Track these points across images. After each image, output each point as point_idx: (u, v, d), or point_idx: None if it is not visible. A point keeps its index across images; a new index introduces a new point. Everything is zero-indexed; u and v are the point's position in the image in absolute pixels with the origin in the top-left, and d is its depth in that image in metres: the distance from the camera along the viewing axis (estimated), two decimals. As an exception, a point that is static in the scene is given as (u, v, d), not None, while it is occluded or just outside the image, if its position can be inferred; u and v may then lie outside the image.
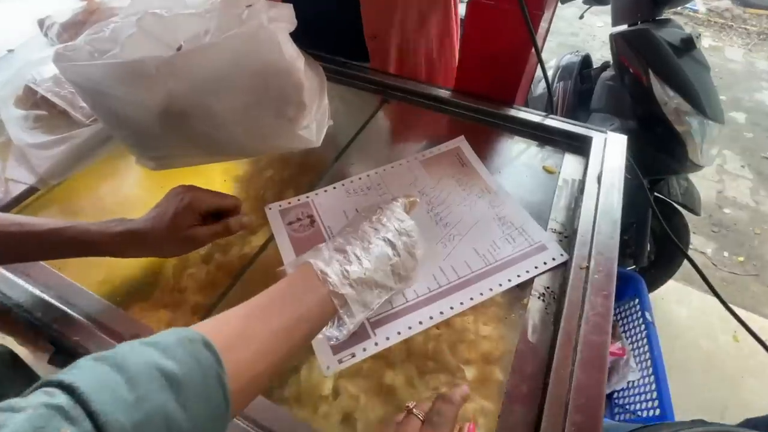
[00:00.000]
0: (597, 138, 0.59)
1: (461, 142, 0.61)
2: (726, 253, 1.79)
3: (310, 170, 0.62)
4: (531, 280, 0.46)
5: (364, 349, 0.40)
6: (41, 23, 0.77)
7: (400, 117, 0.71)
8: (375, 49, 0.73)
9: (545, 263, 0.46)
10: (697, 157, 1.13)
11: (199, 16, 0.46)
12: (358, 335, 0.41)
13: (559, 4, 0.85)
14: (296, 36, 0.48)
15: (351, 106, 0.73)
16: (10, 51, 0.79)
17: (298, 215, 0.52)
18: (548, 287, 0.45)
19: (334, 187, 0.55)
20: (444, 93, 0.68)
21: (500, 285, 0.45)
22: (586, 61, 1.42)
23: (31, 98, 0.59)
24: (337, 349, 0.40)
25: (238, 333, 0.27)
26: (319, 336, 0.41)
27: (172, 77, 0.44)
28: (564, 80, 1.41)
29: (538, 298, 0.44)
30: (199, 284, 0.52)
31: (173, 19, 0.46)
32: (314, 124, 0.54)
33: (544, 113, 0.64)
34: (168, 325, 0.47)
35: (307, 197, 0.54)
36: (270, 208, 0.53)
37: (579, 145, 0.61)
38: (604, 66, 1.32)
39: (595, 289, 0.42)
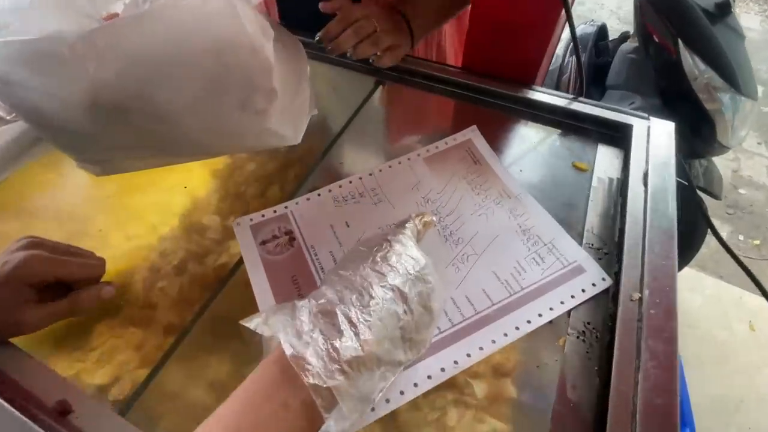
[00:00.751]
0: (638, 126, 0.48)
1: (473, 134, 0.50)
2: (741, 237, 1.70)
3: (297, 163, 0.52)
4: (567, 314, 0.36)
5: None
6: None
7: (398, 102, 0.60)
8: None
9: (584, 291, 0.37)
10: (727, 138, 1.02)
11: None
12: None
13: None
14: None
15: (340, 90, 0.62)
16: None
17: (274, 231, 0.42)
18: (589, 323, 0.36)
19: (319, 194, 0.45)
20: (451, 73, 0.57)
21: (528, 322, 0.35)
22: (602, 32, 1.29)
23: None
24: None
25: None
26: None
27: (96, 60, 0.33)
28: (572, 54, 1.28)
29: (578, 337, 0.35)
30: (171, 300, 0.44)
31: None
32: (291, 115, 0.43)
33: (571, 96, 0.53)
34: (138, 348, 0.40)
35: (285, 207, 0.44)
36: (238, 223, 0.43)
37: (615, 135, 0.50)
38: (623, 37, 1.19)
39: (654, 330, 0.33)
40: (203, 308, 0.42)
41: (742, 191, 1.87)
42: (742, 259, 1.74)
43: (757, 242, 1.68)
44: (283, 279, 0.38)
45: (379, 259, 0.27)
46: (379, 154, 0.52)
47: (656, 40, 0.98)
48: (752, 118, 1.04)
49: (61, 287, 0.36)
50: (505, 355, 0.35)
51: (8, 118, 0.47)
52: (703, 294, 1.52)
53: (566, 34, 1.39)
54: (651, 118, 0.49)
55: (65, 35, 0.31)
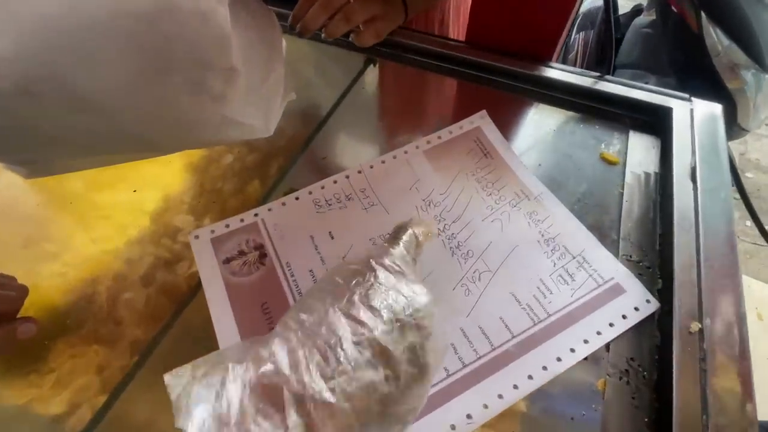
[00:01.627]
0: (679, 109, 0.40)
1: (482, 121, 0.42)
2: (748, 223, 1.64)
3: (279, 155, 0.44)
4: (606, 348, 0.29)
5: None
6: None
7: (392, 83, 0.51)
8: None
9: (625, 317, 0.30)
10: (747, 120, 0.95)
11: None
12: None
13: None
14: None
15: (324, 70, 0.53)
16: None
17: (241, 246, 0.34)
18: (633, 359, 0.29)
19: (297, 198, 0.37)
20: (453, 48, 0.48)
21: (559, 360, 0.28)
22: (613, 5, 1.19)
23: None
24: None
25: None
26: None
27: (17, 43, 0.25)
28: (585, 30, 1.18)
29: (620, 378, 0.28)
30: (137, 313, 0.38)
31: None
32: (260, 101, 0.35)
33: (597, 74, 0.45)
34: (100, 371, 0.35)
35: (256, 215, 0.36)
36: (197, 237, 0.35)
37: (650, 120, 0.42)
38: (637, 10, 1.10)
39: (723, 370, 0.26)
40: (170, 322, 0.36)
41: (749, 175, 1.81)
42: (749, 245, 1.67)
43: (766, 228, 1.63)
44: (251, 307, 0.31)
45: (356, 299, 0.19)
46: (370, 146, 0.43)
47: (675, 11, 0.89)
48: (775, 98, 0.97)
49: None
50: (530, 404, 0.28)
51: None
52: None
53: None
54: (694, 99, 0.41)
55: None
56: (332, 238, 0.34)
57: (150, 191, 0.47)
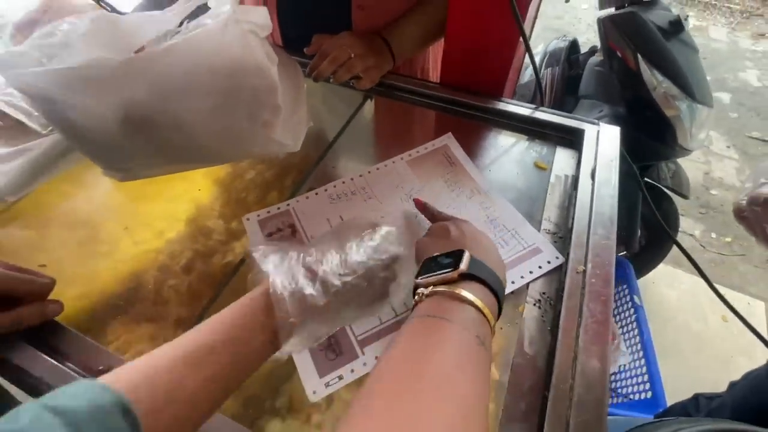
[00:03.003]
0: (589, 130, 0.57)
1: (449, 140, 0.58)
2: (714, 235, 1.80)
3: (293, 170, 0.59)
4: (526, 286, 0.44)
5: (352, 370, 0.37)
6: (-7, 23, 0.71)
7: (384, 114, 0.68)
8: (360, 21, 0.67)
9: (540, 267, 0.44)
10: (686, 141, 1.12)
11: (160, 18, 0.42)
12: (345, 355, 0.38)
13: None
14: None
15: (333, 103, 0.70)
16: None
17: (279, 225, 0.49)
18: (544, 293, 0.43)
19: (316, 193, 0.52)
20: (430, 87, 0.65)
21: (494, 293, 0.42)
22: (574, 46, 1.40)
23: (-17, 107, 0.54)
24: (323, 371, 0.37)
25: (166, 388, 0.24)
26: (304, 357, 0.39)
27: (130, 82, 0.40)
28: (551, 66, 1.38)
29: (534, 305, 0.42)
30: (181, 296, 0.49)
31: (132, 20, 0.41)
32: (292, 127, 0.51)
33: (533, 106, 0.61)
34: (151, 340, 0.45)
35: (288, 205, 0.51)
36: (248, 219, 0.50)
37: (571, 139, 0.58)
38: (592, 51, 1.30)
39: (593, 294, 0.40)
40: (210, 302, 0.47)
41: (713, 192, 1.99)
42: (715, 255, 1.83)
43: (729, 239, 1.78)
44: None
45: (365, 239, 0.34)
46: (368, 158, 0.59)
47: (618, 54, 1.08)
48: (709, 123, 1.14)
49: (9, 302, 0.38)
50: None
51: (43, 132, 0.53)
52: (679, 289, 1.61)
53: (540, 48, 1.50)
54: (600, 123, 0.57)
55: (108, 62, 0.38)
56: (342, 219, 0.49)
57: (183, 203, 0.59)
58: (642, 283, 1.44)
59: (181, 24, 0.46)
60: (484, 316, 0.29)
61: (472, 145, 0.59)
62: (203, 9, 0.46)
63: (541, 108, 0.61)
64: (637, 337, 1.11)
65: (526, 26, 0.56)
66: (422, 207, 0.45)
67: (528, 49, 0.55)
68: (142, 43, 0.43)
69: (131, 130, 0.43)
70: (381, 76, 0.63)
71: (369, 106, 0.67)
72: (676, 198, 1.29)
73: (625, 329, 1.17)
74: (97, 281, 0.49)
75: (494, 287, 0.31)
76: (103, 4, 0.52)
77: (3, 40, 0.70)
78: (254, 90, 0.43)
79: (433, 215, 0.44)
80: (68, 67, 0.40)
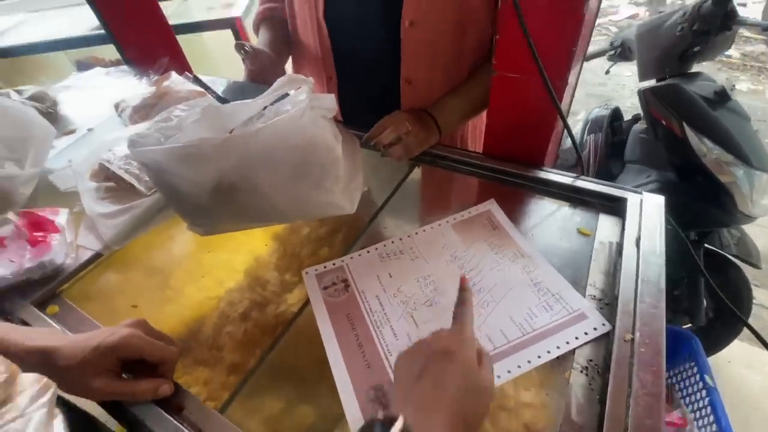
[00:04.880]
0: (632, 199, 0.58)
1: (491, 205, 0.62)
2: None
3: (344, 228, 0.65)
4: (572, 352, 0.44)
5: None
6: (117, 106, 0.89)
7: (430, 180, 0.74)
8: (408, 94, 0.75)
9: (586, 333, 0.45)
10: (748, 208, 1.06)
11: (250, 104, 0.52)
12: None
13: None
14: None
15: (384, 170, 0.77)
16: (90, 130, 0.91)
17: (333, 279, 0.54)
18: (591, 360, 0.43)
19: (368, 252, 0.57)
20: (473, 157, 0.70)
21: (539, 357, 0.43)
22: (616, 113, 1.43)
23: (104, 173, 0.67)
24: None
25: None
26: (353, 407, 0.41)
27: (225, 157, 0.49)
28: (594, 133, 1.41)
29: (581, 371, 0.42)
30: (236, 343, 0.53)
31: (230, 107, 0.52)
32: (350, 192, 0.57)
33: (574, 175, 0.64)
34: (205, 384, 0.49)
35: (342, 261, 0.56)
36: (306, 273, 0.55)
37: (614, 206, 0.60)
38: (636, 118, 1.32)
39: (643, 364, 0.40)
40: (265, 351, 0.51)
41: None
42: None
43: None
44: (341, 317, 0.49)
45: None
46: (415, 221, 0.64)
47: (663, 123, 1.09)
48: (773, 189, 1.09)
49: (140, 362, 0.41)
50: (520, 384, 0.42)
51: (148, 193, 0.64)
52: (762, 371, 1.42)
53: (582, 116, 1.54)
54: (643, 192, 0.59)
55: (210, 141, 0.48)
56: (390, 277, 0.53)
57: (242, 254, 0.65)
58: (715, 362, 1.29)
59: (264, 108, 0.56)
60: None
61: (514, 210, 0.62)
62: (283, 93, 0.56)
63: (582, 177, 0.63)
64: (713, 425, 0.98)
65: (566, 95, 0.60)
66: (463, 286, 0.42)
67: (566, 124, 0.60)
68: (236, 124, 0.53)
69: (219, 195, 0.52)
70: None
71: (416, 173, 0.74)
72: (746, 268, 1.19)
73: (697, 414, 1.04)
74: (166, 323, 0.55)
75: None
76: (210, 92, 0.65)
77: (122, 119, 0.87)
78: (322, 163, 0.51)
79: (456, 313, 0.40)
80: (180, 145, 0.50)
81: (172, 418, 0.40)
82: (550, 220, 0.61)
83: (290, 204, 0.54)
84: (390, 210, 0.67)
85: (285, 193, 0.52)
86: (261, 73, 0.76)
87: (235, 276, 0.62)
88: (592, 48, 0.99)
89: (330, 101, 0.53)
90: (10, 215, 0.57)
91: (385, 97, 0.76)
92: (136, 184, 0.64)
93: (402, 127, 0.65)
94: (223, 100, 0.63)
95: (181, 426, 0.40)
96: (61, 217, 0.60)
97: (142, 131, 0.53)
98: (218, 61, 1.98)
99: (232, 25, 1.67)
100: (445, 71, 0.72)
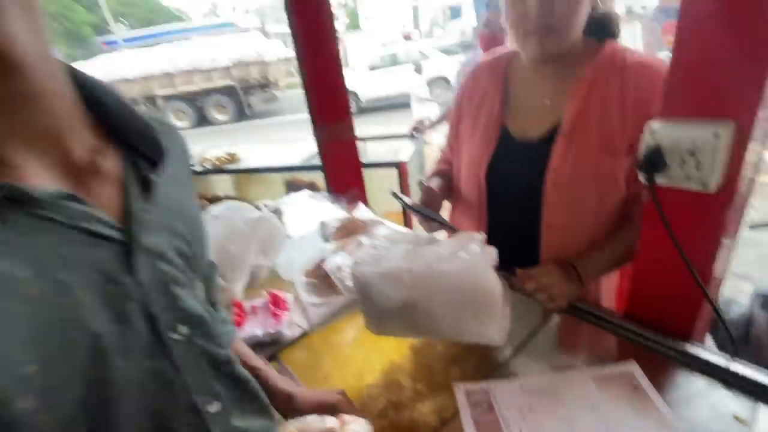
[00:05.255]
0: (799, 396, 0.57)
1: (634, 367, 0.66)
2: None
3: (475, 352, 0.75)
4: None
5: None
6: (322, 225, 1.25)
7: (568, 330, 0.82)
8: (550, 238, 0.87)
9: None
10: None
11: (440, 249, 0.74)
12: None
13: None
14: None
15: (525, 313, 0.88)
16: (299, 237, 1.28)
17: (479, 398, 0.65)
18: None
19: (510, 381, 0.67)
20: (615, 317, 0.77)
21: None
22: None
23: (317, 272, 0.95)
24: None
25: None
26: None
27: (416, 285, 0.70)
28: (765, 309, 1.26)
29: None
30: None
31: (426, 250, 0.74)
32: (500, 327, 0.71)
33: (728, 356, 0.65)
34: None
35: (488, 384, 0.67)
36: (457, 386, 0.68)
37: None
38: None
39: None
40: None
41: None
42: None
43: None
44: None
45: None
46: (550, 366, 0.72)
47: None
48: None
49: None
50: None
51: (343, 293, 0.89)
52: None
53: (751, 288, 1.41)
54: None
55: (407, 271, 0.69)
56: (530, 410, 0.61)
57: (381, 355, 0.78)
58: None
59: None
60: None
61: (657, 379, 0.65)
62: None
63: (736, 358, 0.64)
64: None
65: (714, 278, 0.65)
66: None
67: (710, 302, 0.64)
68: (427, 259, 0.74)
69: (402, 310, 0.71)
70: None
71: (554, 321, 0.83)
72: None
73: None
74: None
75: None
76: (416, 212, 0.90)
77: (323, 235, 1.21)
78: (486, 302, 0.67)
79: None
80: (385, 270, 0.73)
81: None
82: (699, 398, 0.62)
83: (449, 328, 0.70)
84: (526, 350, 0.76)
85: (451, 318, 0.69)
86: (429, 203, 1.01)
87: (373, 374, 0.76)
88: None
89: (493, 252, 0.71)
90: (263, 293, 0.86)
91: (527, 241, 0.91)
92: (339, 285, 0.90)
93: (546, 280, 0.78)
94: (427, 214, 0.86)
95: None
96: (289, 299, 0.88)
97: (362, 256, 0.78)
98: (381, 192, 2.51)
99: (398, 166, 2.16)
100: (585, 221, 0.84)
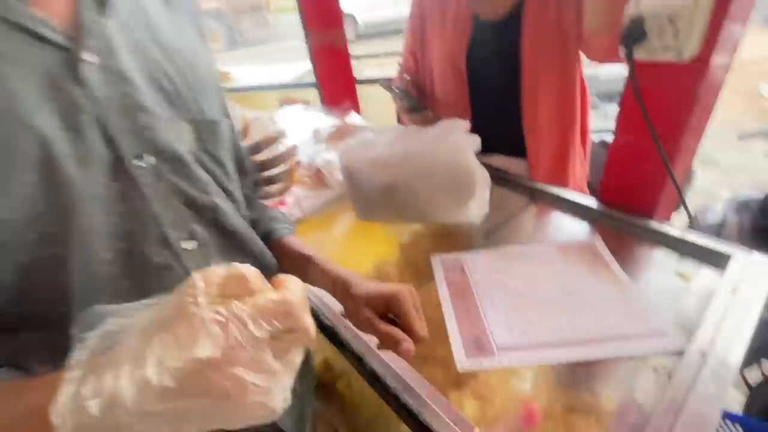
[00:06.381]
0: (737, 256, 0.63)
1: (597, 239, 0.73)
2: None
3: (457, 247, 0.82)
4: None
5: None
6: (315, 131, 1.27)
7: (543, 217, 0.88)
8: (532, 143, 0.95)
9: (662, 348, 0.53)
10: None
11: (425, 133, 0.77)
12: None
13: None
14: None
15: (503, 202, 0.94)
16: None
17: (453, 264, 0.72)
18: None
19: (482, 252, 0.74)
20: (582, 199, 0.83)
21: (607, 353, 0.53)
22: (769, 198, 1.32)
23: (309, 170, 0.99)
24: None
25: None
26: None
27: (399, 166, 0.74)
28: (740, 214, 1.32)
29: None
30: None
31: (412, 133, 0.77)
32: (477, 206, 0.76)
33: (682, 229, 0.71)
34: None
35: (461, 254, 0.74)
36: (434, 257, 0.75)
37: (719, 260, 0.65)
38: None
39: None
40: None
41: None
42: None
43: None
44: (455, 290, 0.67)
45: None
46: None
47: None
48: None
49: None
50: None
51: (334, 188, 0.94)
52: None
53: (728, 194, 1.46)
54: (754, 251, 0.63)
55: (392, 152, 0.73)
56: (497, 272, 0.69)
57: (376, 245, 0.86)
58: None
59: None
60: None
61: (619, 252, 0.71)
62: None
63: (690, 229, 0.70)
64: None
65: (682, 159, 0.69)
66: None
67: (672, 178, 0.69)
68: (412, 145, 0.78)
69: (386, 192, 0.76)
70: (544, 187, 0.85)
71: (530, 209, 0.88)
72: None
73: None
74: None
75: None
76: (406, 97, 0.94)
77: (317, 140, 1.24)
78: (464, 183, 0.72)
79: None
80: (372, 155, 0.76)
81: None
82: (654, 267, 0.69)
83: (432, 208, 0.75)
84: (503, 233, 0.83)
85: (433, 199, 0.74)
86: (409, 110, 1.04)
87: (365, 266, 0.82)
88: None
89: (476, 141, 0.74)
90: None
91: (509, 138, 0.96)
92: (328, 180, 0.94)
93: None
94: (414, 101, 0.92)
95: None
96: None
97: (351, 144, 0.81)
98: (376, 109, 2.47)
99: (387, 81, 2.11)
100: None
